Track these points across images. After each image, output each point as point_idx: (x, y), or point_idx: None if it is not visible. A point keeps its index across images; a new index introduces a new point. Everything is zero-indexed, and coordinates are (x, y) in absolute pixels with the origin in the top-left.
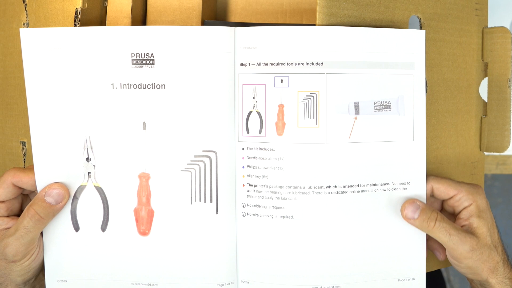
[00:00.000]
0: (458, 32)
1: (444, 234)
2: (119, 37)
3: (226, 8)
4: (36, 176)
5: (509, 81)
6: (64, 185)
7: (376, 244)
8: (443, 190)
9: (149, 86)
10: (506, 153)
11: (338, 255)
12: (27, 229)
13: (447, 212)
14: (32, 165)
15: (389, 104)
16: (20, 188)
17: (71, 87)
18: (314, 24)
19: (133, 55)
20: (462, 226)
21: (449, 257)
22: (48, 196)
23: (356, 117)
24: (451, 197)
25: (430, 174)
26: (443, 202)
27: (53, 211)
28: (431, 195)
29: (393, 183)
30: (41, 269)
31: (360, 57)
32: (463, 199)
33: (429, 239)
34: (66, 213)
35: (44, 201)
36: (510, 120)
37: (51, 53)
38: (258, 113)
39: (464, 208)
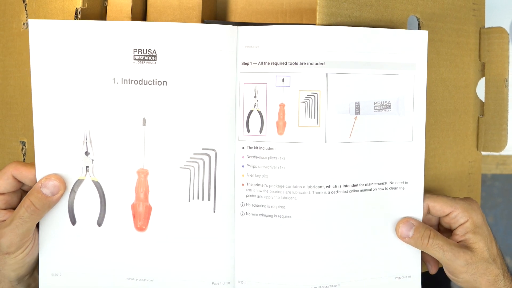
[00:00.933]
0: (456, 32)
1: (438, 250)
2: (122, 32)
3: (226, 8)
4: (36, 168)
5: (506, 81)
6: (60, 177)
7: (374, 242)
8: (439, 208)
9: (150, 82)
10: (506, 153)
11: (337, 255)
12: (22, 220)
13: (444, 228)
14: (33, 161)
15: (389, 104)
16: (20, 182)
17: (73, 80)
18: (314, 24)
19: (135, 50)
20: (458, 242)
21: (447, 272)
22: (44, 187)
23: (356, 117)
24: (447, 215)
25: (427, 192)
26: (440, 218)
27: (48, 203)
28: (427, 213)
29: (391, 182)
30: (35, 266)
31: (362, 57)
32: (458, 217)
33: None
34: (63, 206)
35: (40, 192)
36: (507, 120)
37: (56, 46)
38: (259, 112)
39: (460, 225)
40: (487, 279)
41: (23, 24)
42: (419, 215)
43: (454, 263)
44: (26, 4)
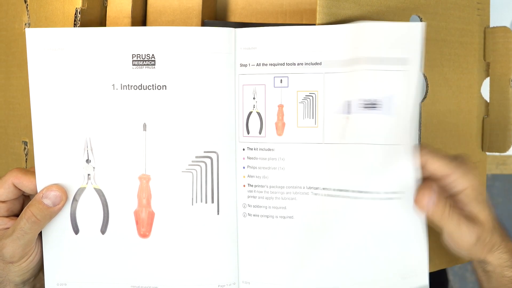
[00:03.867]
0: (460, 32)
1: (455, 223)
2: (120, 38)
3: (226, 8)
4: (37, 177)
5: (511, 81)
6: (61, 187)
7: (377, 243)
8: (437, 167)
9: (149, 87)
10: (506, 153)
11: (339, 255)
12: (23, 231)
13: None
14: (34, 167)
15: (380, 103)
16: (20, 189)
17: (72, 88)
18: (314, 24)
19: (133, 56)
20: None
21: (453, 244)
22: (45, 198)
23: (348, 117)
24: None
25: (424, 145)
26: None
27: (50, 213)
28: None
29: (385, 192)
30: (40, 269)
31: (352, 54)
32: (458, 182)
33: None
34: (65, 215)
35: (41, 203)
36: None
37: (54, 53)
38: (258, 113)
39: (460, 191)
40: (487, 249)
41: (25, 24)
42: (419, 227)
43: (467, 238)
44: (27, 4)
